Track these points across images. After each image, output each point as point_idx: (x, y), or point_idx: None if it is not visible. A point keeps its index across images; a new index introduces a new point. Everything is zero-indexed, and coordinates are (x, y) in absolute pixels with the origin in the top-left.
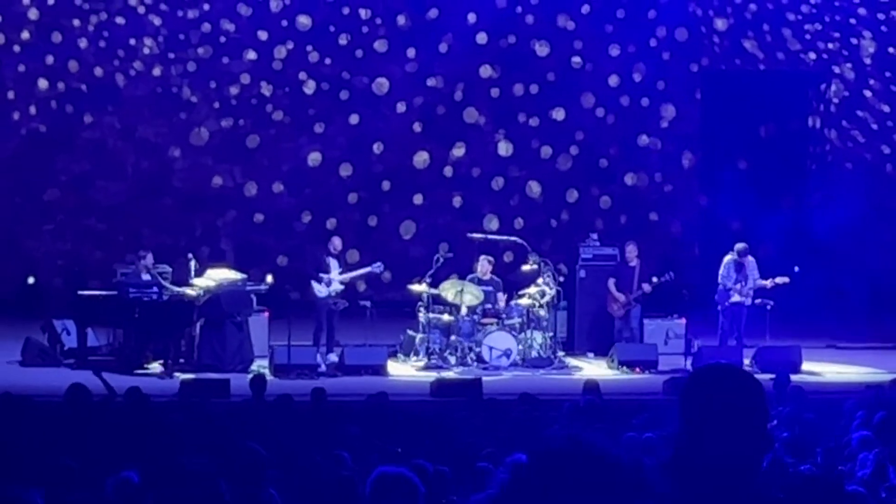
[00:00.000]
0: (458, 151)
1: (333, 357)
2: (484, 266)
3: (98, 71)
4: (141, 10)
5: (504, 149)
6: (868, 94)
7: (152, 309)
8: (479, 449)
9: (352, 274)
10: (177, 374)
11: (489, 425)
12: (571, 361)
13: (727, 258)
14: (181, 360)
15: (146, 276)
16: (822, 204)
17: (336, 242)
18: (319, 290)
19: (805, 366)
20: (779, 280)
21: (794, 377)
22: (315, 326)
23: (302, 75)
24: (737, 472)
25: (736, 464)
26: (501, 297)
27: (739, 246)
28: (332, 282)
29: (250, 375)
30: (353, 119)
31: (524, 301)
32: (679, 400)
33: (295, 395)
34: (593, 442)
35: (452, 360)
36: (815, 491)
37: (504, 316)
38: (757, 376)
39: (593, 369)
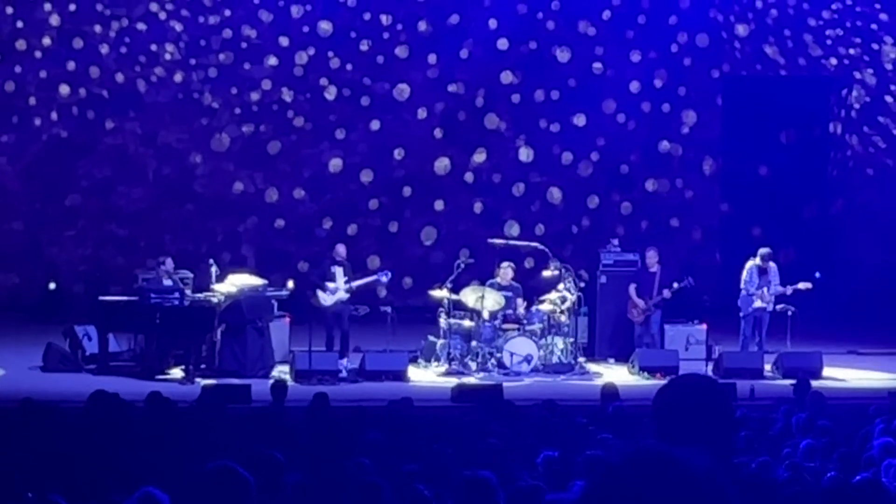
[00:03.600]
0: (479, 157)
1: (344, 362)
2: (505, 272)
3: (119, 77)
4: (162, 16)
5: (525, 155)
6: (889, 99)
7: (173, 314)
8: (504, 455)
9: (357, 283)
10: (198, 379)
11: (510, 431)
12: (592, 367)
13: (750, 263)
14: (202, 366)
15: (167, 282)
16: (844, 210)
17: (340, 249)
18: (324, 298)
19: (826, 371)
20: (801, 286)
21: (815, 383)
22: (326, 336)
23: (323, 81)
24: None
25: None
26: (521, 303)
27: (763, 251)
28: (338, 290)
29: (271, 381)
30: (375, 125)
31: (545, 307)
32: (652, 412)
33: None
34: (675, 452)
35: (473, 365)
36: (833, 499)
37: (525, 321)
38: (777, 382)
39: (614, 375)
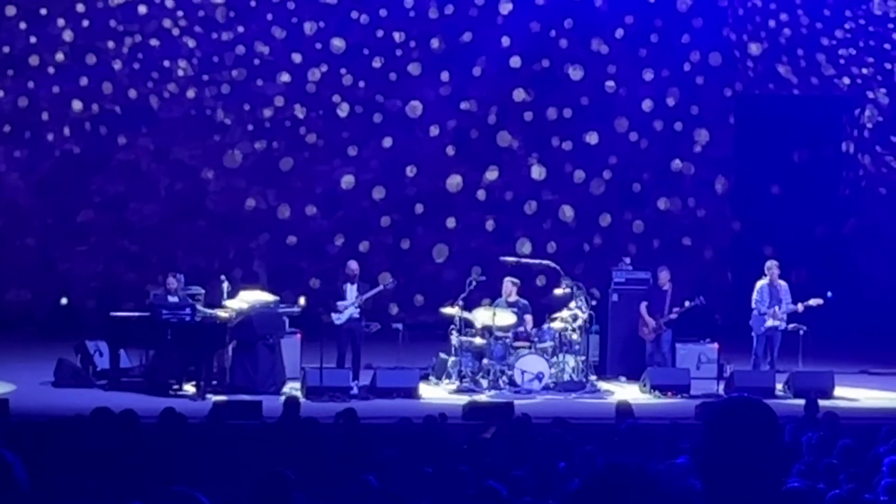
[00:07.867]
0: (492, 175)
1: (355, 384)
2: (508, 287)
3: (132, 93)
4: (175, 32)
5: (537, 172)
6: None
7: (185, 330)
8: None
9: (363, 296)
10: (209, 395)
11: (521, 449)
12: (603, 385)
13: (760, 283)
14: (213, 382)
15: (173, 298)
16: (856, 229)
17: (352, 266)
18: (336, 317)
19: (838, 391)
20: (812, 302)
21: (826, 403)
22: (337, 354)
23: (336, 98)
24: (758, 495)
25: (756, 487)
26: (529, 318)
27: (770, 263)
28: (348, 307)
29: (283, 397)
30: (387, 142)
31: (556, 325)
32: (704, 432)
33: (327, 417)
34: (643, 469)
35: (484, 383)
36: None
37: (536, 339)
38: (788, 402)
39: (625, 393)
